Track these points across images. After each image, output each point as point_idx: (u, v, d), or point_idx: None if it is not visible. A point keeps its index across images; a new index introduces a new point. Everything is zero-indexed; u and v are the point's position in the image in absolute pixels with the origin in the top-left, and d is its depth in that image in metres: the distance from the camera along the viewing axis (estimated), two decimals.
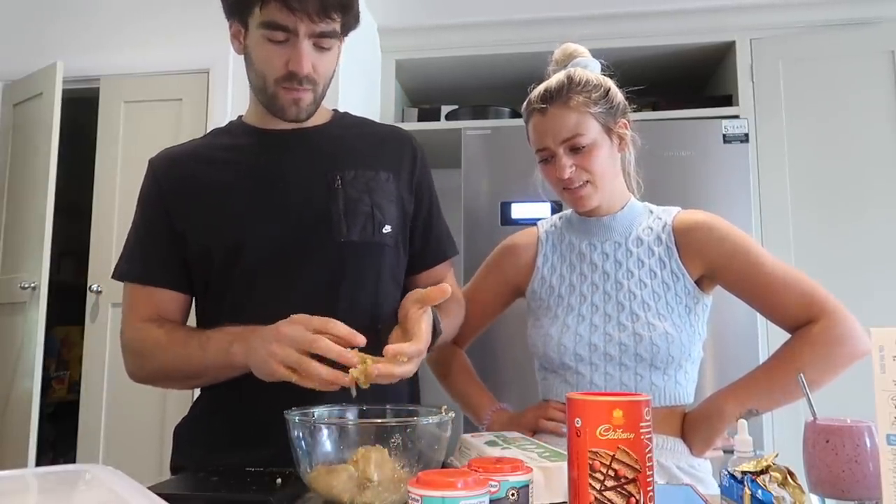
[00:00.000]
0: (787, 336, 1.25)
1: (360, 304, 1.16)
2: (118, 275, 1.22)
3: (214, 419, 1.18)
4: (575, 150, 1.25)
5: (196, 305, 1.24)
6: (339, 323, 0.96)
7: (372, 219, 1.18)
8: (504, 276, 1.43)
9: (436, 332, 1.11)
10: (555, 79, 1.30)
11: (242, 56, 1.19)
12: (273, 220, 1.15)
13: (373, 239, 1.18)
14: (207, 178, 1.18)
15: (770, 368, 1.23)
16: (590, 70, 1.32)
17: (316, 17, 1.07)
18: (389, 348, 0.96)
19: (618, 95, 1.31)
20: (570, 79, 1.28)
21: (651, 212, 1.36)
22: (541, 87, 1.31)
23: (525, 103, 1.34)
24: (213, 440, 1.15)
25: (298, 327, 0.95)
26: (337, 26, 1.11)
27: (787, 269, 1.25)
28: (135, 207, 1.24)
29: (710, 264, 1.27)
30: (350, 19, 1.14)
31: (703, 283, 1.29)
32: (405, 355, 0.96)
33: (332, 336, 0.94)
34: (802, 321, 1.21)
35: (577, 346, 1.26)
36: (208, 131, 1.34)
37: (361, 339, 0.95)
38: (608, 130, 1.28)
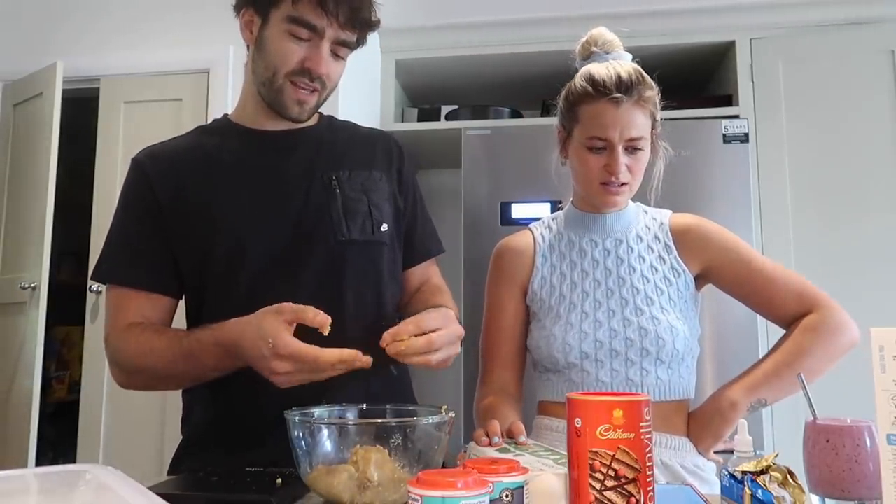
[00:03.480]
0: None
1: (364, 303, 1.16)
2: (100, 276, 1.18)
3: (222, 421, 1.16)
4: (632, 150, 1.24)
5: (188, 308, 1.20)
6: (310, 309, 0.97)
7: (370, 217, 1.19)
8: (511, 279, 1.35)
9: None
10: (622, 69, 1.24)
11: (249, 46, 1.17)
12: (274, 221, 1.15)
13: (372, 238, 1.19)
14: (203, 179, 1.17)
15: (776, 358, 1.23)
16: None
17: (345, 24, 1.10)
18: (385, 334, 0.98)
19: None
20: (639, 73, 1.25)
21: (645, 212, 1.37)
22: (610, 73, 1.23)
23: (585, 85, 1.25)
24: (224, 441, 1.14)
25: (287, 363, 0.94)
26: (355, 39, 1.14)
27: (777, 266, 1.30)
28: (117, 206, 1.20)
29: (706, 263, 1.30)
30: (365, 36, 1.16)
31: (697, 282, 1.32)
32: (400, 334, 0.97)
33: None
34: (798, 314, 1.24)
35: (582, 343, 1.25)
36: (193, 129, 1.29)
37: (326, 320, 0.96)
38: (653, 136, 1.29)
